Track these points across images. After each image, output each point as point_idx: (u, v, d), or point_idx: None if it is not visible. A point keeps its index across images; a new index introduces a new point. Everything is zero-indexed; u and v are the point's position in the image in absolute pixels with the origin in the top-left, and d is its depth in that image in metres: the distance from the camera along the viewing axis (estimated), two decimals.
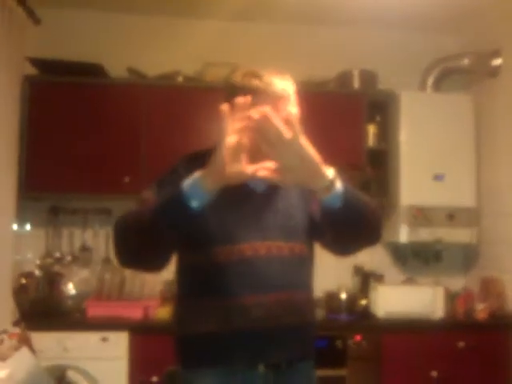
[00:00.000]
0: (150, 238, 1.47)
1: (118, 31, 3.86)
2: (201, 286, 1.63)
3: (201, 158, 1.50)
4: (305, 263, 1.70)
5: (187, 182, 1.41)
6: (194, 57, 3.76)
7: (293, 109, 1.39)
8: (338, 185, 1.41)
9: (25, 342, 2.34)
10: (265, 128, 1.32)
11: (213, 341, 1.59)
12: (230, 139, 1.35)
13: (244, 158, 1.37)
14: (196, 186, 1.39)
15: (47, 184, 3.46)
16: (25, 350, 2.28)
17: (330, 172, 1.40)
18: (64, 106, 3.52)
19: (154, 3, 3.73)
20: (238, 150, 1.36)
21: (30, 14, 3.45)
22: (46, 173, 3.45)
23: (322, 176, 1.38)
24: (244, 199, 1.64)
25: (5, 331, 2.36)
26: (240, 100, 1.35)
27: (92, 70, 3.55)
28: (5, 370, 2.07)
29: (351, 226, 1.49)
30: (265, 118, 1.31)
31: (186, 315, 1.68)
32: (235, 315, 1.57)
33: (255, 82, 1.56)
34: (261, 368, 1.59)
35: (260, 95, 1.52)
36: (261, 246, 1.60)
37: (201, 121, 3.41)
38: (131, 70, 3.69)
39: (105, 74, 3.63)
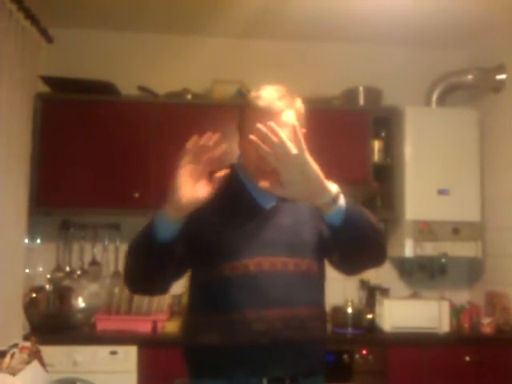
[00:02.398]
0: (145, 265, 1.56)
1: (128, 50, 3.94)
2: (206, 300, 1.67)
3: (234, 177, 1.64)
4: (311, 279, 1.69)
5: (156, 216, 1.50)
6: (203, 74, 3.83)
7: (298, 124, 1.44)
8: (341, 202, 1.44)
9: (35, 355, 2.38)
10: (271, 141, 1.37)
11: (216, 353, 1.62)
12: (182, 171, 1.46)
13: (201, 183, 1.47)
14: (161, 219, 1.49)
15: (58, 199, 3.52)
16: (35, 364, 2.31)
17: (333, 188, 1.44)
18: (75, 123, 3.58)
19: (162, 22, 3.81)
20: (190, 179, 1.46)
21: (43, 33, 3.53)
22: (57, 188, 3.51)
23: (325, 192, 1.42)
24: (251, 215, 1.67)
25: (15, 345, 2.39)
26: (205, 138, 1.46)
27: (103, 88, 3.62)
28: (17, 381, 2.11)
29: (355, 244, 1.52)
30: (271, 131, 1.37)
31: (192, 328, 1.72)
32: (238, 329, 1.59)
33: (259, 102, 1.61)
34: (264, 382, 1.60)
35: (265, 113, 1.57)
36: (265, 262, 1.62)
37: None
38: (141, 88, 3.76)
39: (115, 92, 3.69)
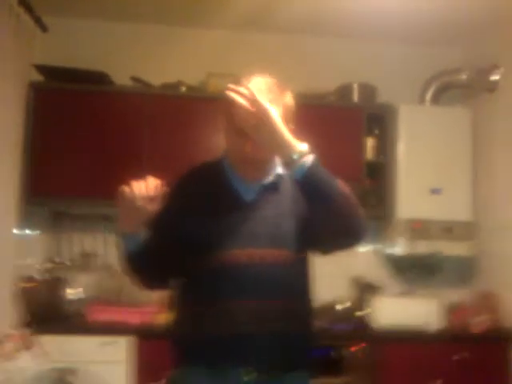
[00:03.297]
0: (135, 272, 1.76)
1: (123, 40, 3.92)
2: (191, 291, 1.72)
3: (201, 171, 1.77)
4: (293, 271, 1.71)
5: (117, 235, 1.71)
6: (197, 67, 3.82)
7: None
8: (307, 159, 1.51)
9: (28, 344, 2.38)
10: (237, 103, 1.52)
11: (201, 343, 1.65)
12: (128, 194, 1.61)
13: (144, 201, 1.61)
14: (121, 233, 1.69)
15: (49, 189, 3.51)
16: (28, 353, 2.32)
17: (300, 146, 1.52)
18: (68, 113, 3.58)
19: (158, 13, 3.79)
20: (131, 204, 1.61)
21: (38, 21, 3.50)
22: (49, 178, 3.49)
23: (291, 148, 1.52)
24: (232, 207, 1.70)
25: (9, 334, 2.39)
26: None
27: (97, 78, 3.61)
28: (8, 369, 2.12)
29: (323, 207, 1.55)
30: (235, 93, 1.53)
31: (178, 319, 1.77)
32: (220, 319, 1.63)
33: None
34: (244, 372, 1.63)
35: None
36: (247, 254, 1.65)
37: (202, 130, 3.47)
38: (135, 79, 3.74)
39: (109, 82, 3.68)
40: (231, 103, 1.54)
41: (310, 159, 1.52)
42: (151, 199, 1.61)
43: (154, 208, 1.62)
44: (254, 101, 1.51)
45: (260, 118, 1.51)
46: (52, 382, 2.56)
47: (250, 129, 1.54)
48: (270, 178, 1.75)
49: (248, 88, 1.54)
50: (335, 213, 1.56)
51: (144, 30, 3.94)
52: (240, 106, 1.52)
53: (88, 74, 3.59)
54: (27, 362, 2.30)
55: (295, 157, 1.51)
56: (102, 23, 3.89)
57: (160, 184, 1.63)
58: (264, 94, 1.58)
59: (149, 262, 1.70)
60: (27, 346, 2.41)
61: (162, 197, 1.62)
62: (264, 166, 1.74)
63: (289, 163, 1.53)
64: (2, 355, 2.21)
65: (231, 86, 1.56)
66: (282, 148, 1.53)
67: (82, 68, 3.59)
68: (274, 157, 1.73)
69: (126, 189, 1.61)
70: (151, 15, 3.83)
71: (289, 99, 1.70)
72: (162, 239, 1.69)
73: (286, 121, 1.59)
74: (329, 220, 1.57)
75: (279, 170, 1.76)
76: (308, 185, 1.54)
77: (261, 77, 1.70)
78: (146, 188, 1.61)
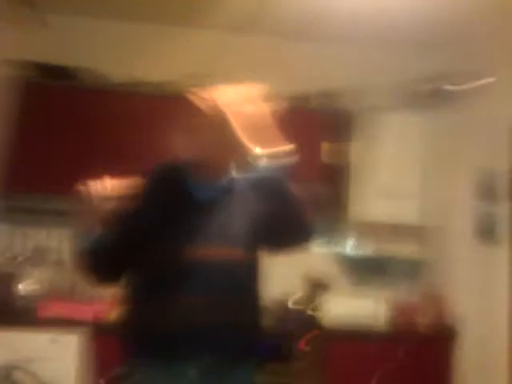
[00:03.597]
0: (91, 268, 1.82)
1: (115, 38, 3.93)
2: (142, 287, 1.78)
3: (162, 172, 1.87)
4: (243, 268, 1.80)
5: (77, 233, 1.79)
6: (187, 66, 3.75)
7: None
8: (262, 163, 1.63)
9: None
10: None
11: (149, 338, 1.72)
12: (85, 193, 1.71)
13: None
14: (78, 231, 1.78)
15: (4, 183, 3.46)
16: None
17: (255, 151, 1.62)
18: (34, 109, 3.56)
19: (154, 12, 3.84)
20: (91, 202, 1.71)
21: (35, 17, 3.51)
22: (5, 172, 3.46)
23: (246, 151, 1.62)
24: (187, 208, 1.79)
25: None
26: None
27: (67, 74, 3.66)
28: None
29: (273, 207, 1.68)
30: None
31: (129, 314, 1.83)
32: (170, 315, 1.70)
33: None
34: (195, 364, 1.70)
35: None
36: (198, 252, 1.73)
37: (165, 126, 3.48)
38: (99, 75, 3.75)
39: (76, 78, 3.70)
40: (192, 107, 1.63)
41: (263, 163, 1.62)
42: (107, 199, 1.67)
43: (110, 207, 1.68)
44: (213, 105, 1.61)
45: (218, 121, 1.60)
46: None
47: (209, 132, 1.64)
48: (224, 180, 1.83)
49: (209, 93, 1.64)
50: (285, 214, 1.69)
51: (139, 28, 3.96)
52: (200, 111, 1.62)
53: (59, 69, 3.64)
54: None
55: (249, 160, 1.61)
56: (97, 22, 3.91)
57: (117, 184, 1.69)
58: (229, 101, 1.67)
59: (103, 259, 1.76)
60: None
61: (118, 196, 1.68)
62: (219, 168, 1.83)
63: (244, 166, 1.65)
64: None
65: (192, 92, 1.66)
66: (237, 151, 1.63)
67: (68, 65, 3.65)
68: (228, 159, 1.81)
69: (83, 188, 1.68)
70: (147, 14, 3.87)
71: (270, 106, 1.80)
72: (119, 236, 1.74)
73: (267, 126, 1.70)
74: (280, 220, 1.69)
75: (233, 172, 1.84)
76: (261, 187, 1.65)
77: (243, 84, 1.78)
78: (102, 188, 1.68)
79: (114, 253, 1.75)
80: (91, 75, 3.74)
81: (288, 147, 1.69)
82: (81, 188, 1.69)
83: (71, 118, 3.58)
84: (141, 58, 3.86)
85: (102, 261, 1.77)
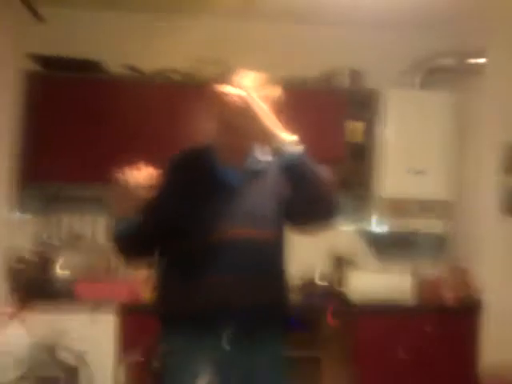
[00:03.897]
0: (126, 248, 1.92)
1: (115, 29, 3.97)
2: (174, 268, 1.88)
3: (189, 158, 1.93)
4: (271, 247, 1.89)
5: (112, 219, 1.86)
6: (187, 54, 3.87)
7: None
8: (291, 148, 1.70)
9: (21, 320, 2.51)
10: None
11: (182, 314, 1.83)
12: (120, 184, 1.77)
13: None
14: (114, 217, 1.85)
15: (42, 174, 3.58)
16: (20, 327, 2.45)
17: (285, 136, 1.70)
18: (61, 100, 3.66)
19: (151, 1, 3.86)
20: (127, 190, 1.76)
21: (33, 12, 3.54)
22: (42, 163, 3.57)
23: (274, 137, 1.70)
24: (217, 191, 1.87)
25: (2, 310, 2.51)
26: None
27: (89, 66, 3.72)
28: (2, 343, 2.25)
29: (301, 188, 1.75)
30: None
31: (162, 293, 1.94)
32: (203, 292, 1.79)
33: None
34: (225, 337, 1.80)
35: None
36: (229, 233, 1.82)
37: (192, 116, 3.56)
38: (127, 67, 3.83)
39: (102, 70, 3.78)
40: (219, 98, 1.69)
41: (294, 148, 1.70)
42: (144, 186, 1.73)
43: (146, 195, 1.75)
44: (239, 96, 1.68)
45: (246, 111, 1.68)
46: (43, 357, 2.69)
47: (238, 123, 1.71)
48: (252, 164, 1.92)
49: (235, 84, 1.71)
50: (313, 195, 1.76)
51: (136, 18, 3.98)
52: (227, 104, 1.68)
53: (81, 62, 3.69)
54: (21, 337, 2.44)
55: (281, 147, 1.70)
56: (93, 13, 3.94)
57: (152, 172, 1.76)
58: (252, 90, 1.74)
59: (136, 243, 1.86)
60: (20, 322, 2.53)
61: (154, 184, 1.75)
62: (247, 152, 1.91)
63: (273, 151, 1.73)
64: None
65: (218, 85, 1.71)
66: (266, 138, 1.71)
67: (75, 57, 3.68)
68: (252, 144, 1.88)
69: (120, 176, 1.74)
70: (143, 4, 3.89)
71: (274, 92, 1.86)
72: (154, 218, 1.83)
73: (275, 113, 1.75)
74: (306, 201, 1.77)
75: (261, 155, 1.92)
76: (292, 171, 1.73)
77: (249, 73, 1.86)
78: (139, 175, 1.74)
79: (146, 237, 1.85)
80: (117, 66, 3.83)
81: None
82: (117, 175, 1.75)
83: (99, 108, 3.66)
84: (142, 48, 3.92)
85: (135, 245, 1.87)
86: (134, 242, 1.86)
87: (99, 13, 3.95)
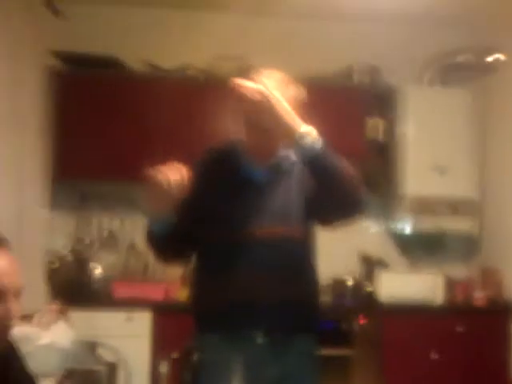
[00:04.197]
0: (160, 250, 1.93)
1: (134, 25, 4.02)
2: (207, 266, 1.92)
3: (215, 156, 1.95)
4: (301, 245, 1.91)
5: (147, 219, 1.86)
6: (207, 50, 3.92)
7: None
8: (313, 142, 1.71)
9: (63, 315, 2.63)
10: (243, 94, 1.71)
11: (215, 312, 1.85)
12: (155, 183, 1.72)
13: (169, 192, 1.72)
14: (150, 216, 1.84)
15: (77, 171, 3.66)
16: (64, 323, 2.57)
17: (307, 130, 1.71)
18: (88, 97, 3.73)
19: None
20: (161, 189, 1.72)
21: (53, 9, 3.55)
22: (74, 161, 3.65)
23: (297, 132, 1.71)
24: (245, 189, 1.90)
25: (46, 305, 2.63)
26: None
27: (111, 63, 3.79)
28: (47, 337, 2.37)
29: (327, 183, 1.76)
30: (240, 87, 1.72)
31: (195, 291, 1.98)
32: (234, 290, 1.83)
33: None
34: (258, 335, 1.83)
35: None
36: (259, 232, 1.84)
37: (212, 111, 3.60)
38: (149, 64, 3.90)
39: (123, 67, 3.85)
40: (238, 96, 1.72)
41: (315, 141, 1.72)
42: (176, 185, 1.71)
43: (180, 193, 1.73)
44: (258, 91, 1.71)
45: (265, 107, 1.70)
46: (84, 353, 2.80)
47: (258, 118, 1.73)
48: (278, 161, 1.94)
49: (253, 80, 1.74)
50: (338, 189, 1.76)
51: (156, 15, 4.03)
52: (246, 99, 1.70)
53: (102, 59, 3.76)
54: (63, 333, 2.55)
55: (301, 140, 1.71)
56: (114, 8, 3.99)
57: (184, 170, 1.73)
58: (270, 87, 1.76)
59: (174, 242, 1.87)
60: (62, 319, 2.65)
61: (186, 183, 1.73)
62: (274, 151, 1.93)
63: (295, 146, 1.74)
64: (42, 324, 2.46)
65: (236, 80, 1.74)
66: (288, 133, 1.73)
67: (96, 54, 3.74)
68: (281, 140, 1.90)
69: (155, 174, 1.72)
70: (163, 0, 3.95)
71: (297, 92, 1.88)
72: (185, 218, 1.83)
73: (300, 114, 1.77)
74: (332, 195, 1.78)
75: (286, 152, 1.94)
76: (314, 165, 1.74)
77: (269, 72, 1.88)
78: (171, 174, 1.72)
79: (181, 237, 1.87)
80: (137, 62, 3.90)
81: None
82: (150, 173, 1.72)
83: (122, 105, 3.73)
84: (161, 44, 3.95)
85: (170, 245, 1.89)
86: (169, 243, 1.88)
87: (118, 8, 3.99)
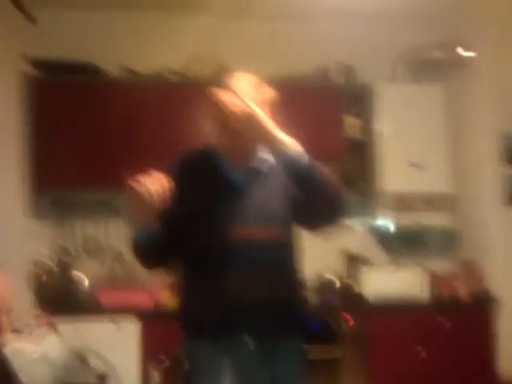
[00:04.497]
0: (144, 258, 1.94)
1: (109, 29, 3.99)
2: (191, 271, 1.93)
3: (194, 158, 1.96)
4: (284, 247, 1.93)
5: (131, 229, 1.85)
6: (182, 53, 3.91)
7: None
8: (295, 152, 1.74)
9: (52, 327, 2.62)
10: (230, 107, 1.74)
11: (203, 318, 1.86)
12: (135, 195, 1.71)
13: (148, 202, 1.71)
14: (132, 226, 1.83)
15: (54, 178, 3.62)
16: (54, 335, 2.56)
17: (287, 141, 1.74)
18: (64, 104, 3.70)
19: (144, 1, 3.91)
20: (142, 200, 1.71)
21: (25, 14, 3.55)
22: (53, 168, 3.62)
23: (278, 143, 1.74)
24: (225, 192, 1.90)
25: (34, 318, 2.63)
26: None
27: (87, 70, 3.77)
28: (38, 351, 2.37)
29: (308, 191, 1.80)
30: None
31: (182, 297, 1.99)
32: (219, 294, 1.83)
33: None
34: (246, 340, 1.84)
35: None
36: (241, 234, 1.85)
37: (190, 113, 3.61)
38: (123, 68, 3.89)
39: (100, 73, 3.83)
40: (215, 103, 1.74)
41: (299, 156, 1.74)
42: (159, 195, 1.70)
43: (162, 203, 1.72)
44: (243, 110, 1.72)
45: (247, 118, 1.72)
46: (75, 365, 2.79)
47: (236, 125, 1.75)
48: (257, 163, 1.95)
49: (231, 88, 1.76)
50: (321, 199, 1.80)
51: (131, 18, 4.01)
52: (224, 107, 1.73)
53: (78, 65, 3.74)
54: (54, 345, 2.55)
55: (283, 150, 1.73)
56: (88, 14, 3.94)
57: (165, 179, 1.73)
58: (245, 92, 1.78)
59: (158, 251, 1.88)
60: (51, 330, 2.65)
61: (167, 192, 1.72)
62: (250, 153, 1.94)
63: (278, 156, 1.77)
64: (32, 338, 2.45)
65: (214, 88, 1.77)
66: (266, 141, 1.77)
67: (72, 59, 3.72)
68: (255, 144, 1.91)
69: (135, 185, 1.71)
70: (137, 3, 3.93)
71: (269, 94, 1.90)
72: (168, 226, 1.83)
73: (269, 114, 1.80)
74: (315, 204, 1.81)
75: (265, 155, 1.95)
76: (299, 178, 1.76)
77: (243, 75, 1.89)
78: (154, 184, 1.71)
79: (165, 247, 1.87)
80: (112, 66, 3.89)
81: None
82: (130, 184, 1.71)
83: (99, 111, 3.71)
84: (137, 48, 3.95)
85: (155, 254, 1.89)
86: (153, 252, 1.87)
87: (92, 13, 3.94)
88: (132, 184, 1.71)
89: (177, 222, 1.84)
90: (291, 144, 1.75)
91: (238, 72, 1.91)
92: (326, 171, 1.80)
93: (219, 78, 1.86)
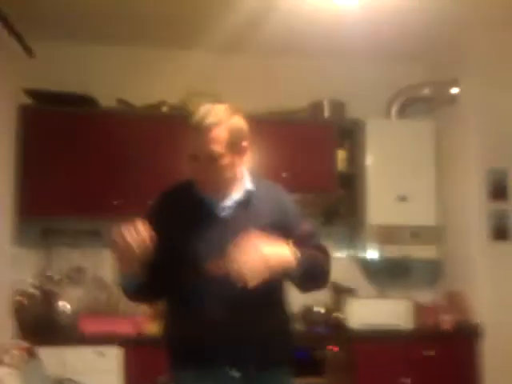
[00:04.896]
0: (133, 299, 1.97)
1: (106, 63, 4.09)
2: (175, 302, 1.93)
3: (176, 193, 1.97)
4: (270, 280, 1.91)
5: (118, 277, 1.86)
6: (179, 87, 3.99)
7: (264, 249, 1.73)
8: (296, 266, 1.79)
9: (32, 354, 2.58)
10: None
11: (187, 348, 1.86)
12: (118, 248, 1.71)
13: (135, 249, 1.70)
14: (119, 273, 1.83)
15: (40, 207, 3.63)
16: (34, 362, 2.52)
17: (290, 253, 1.78)
18: (56, 135, 3.73)
19: (141, 36, 3.98)
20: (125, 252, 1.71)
21: (24, 46, 3.55)
22: (40, 196, 3.63)
23: (287, 269, 1.78)
24: (208, 224, 1.89)
25: (13, 344, 2.59)
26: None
27: (83, 101, 3.80)
28: (19, 379, 2.33)
29: (306, 282, 1.90)
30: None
31: (166, 327, 1.98)
32: (204, 325, 1.82)
33: (191, 119, 1.91)
34: (233, 370, 1.83)
35: (196, 130, 1.90)
36: (220, 266, 1.80)
37: (181, 147, 3.66)
38: (120, 101, 3.93)
39: (95, 105, 3.86)
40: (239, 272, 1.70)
41: (298, 260, 1.79)
42: (141, 246, 1.69)
43: (144, 254, 1.71)
44: (259, 264, 1.71)
45: (265, 265, 1.71)
46: None
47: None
48: (240, 194, 1.93)
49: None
50: (309, 284, 1.93)
51: (127, 52, 4.10)
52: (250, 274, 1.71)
53: (74, 97, 3.77)
54: (34, 373, 2.51)
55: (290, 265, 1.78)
56: (85, 47, 4.02)
57: (148, 229, 1.71)
58: (212, 117, 1.83)
59: (144, 294, 1.90)
60: (31, 357, 2.61)
61: (151, 242, 1.71)
62: (231, 185, 1.92)
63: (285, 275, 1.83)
64: (10, 364, 2.41)
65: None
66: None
67: (68, 92, 3.76)
68: (241, 175, 1.93)
69: (118, 238, 1.70)
70: (134, 38, 4.00)
71: (238, 121, 1.89)
72: (150, 269, 1.80)
73: (237, 140, 1.83)
74: (305, 288, 1.94)
75: (248, 185, 1.95)
76: (289, 277, 1.86)
77: (208, 104, 1.92)
78: (136, 235, 1.69)
79: (149, 289, 1.86)
80: (108, 99, 3.92)
81: None
82: (113, 237, 1.71)
83: (92, 142, 3.75)
84: (134, 82, 4.03)
85: (140, 296, 1.93)
86: (139, 295, 1.91)
87: (91, 46, 4.03)
88: (115, 237, 1.71)
89: (160, 264, 1.81)
90: (290, 257, 1.78)
91: (202, 104, 1.93)
92: (314, 254, 1.88)
93: (190, 115, 1.90)
